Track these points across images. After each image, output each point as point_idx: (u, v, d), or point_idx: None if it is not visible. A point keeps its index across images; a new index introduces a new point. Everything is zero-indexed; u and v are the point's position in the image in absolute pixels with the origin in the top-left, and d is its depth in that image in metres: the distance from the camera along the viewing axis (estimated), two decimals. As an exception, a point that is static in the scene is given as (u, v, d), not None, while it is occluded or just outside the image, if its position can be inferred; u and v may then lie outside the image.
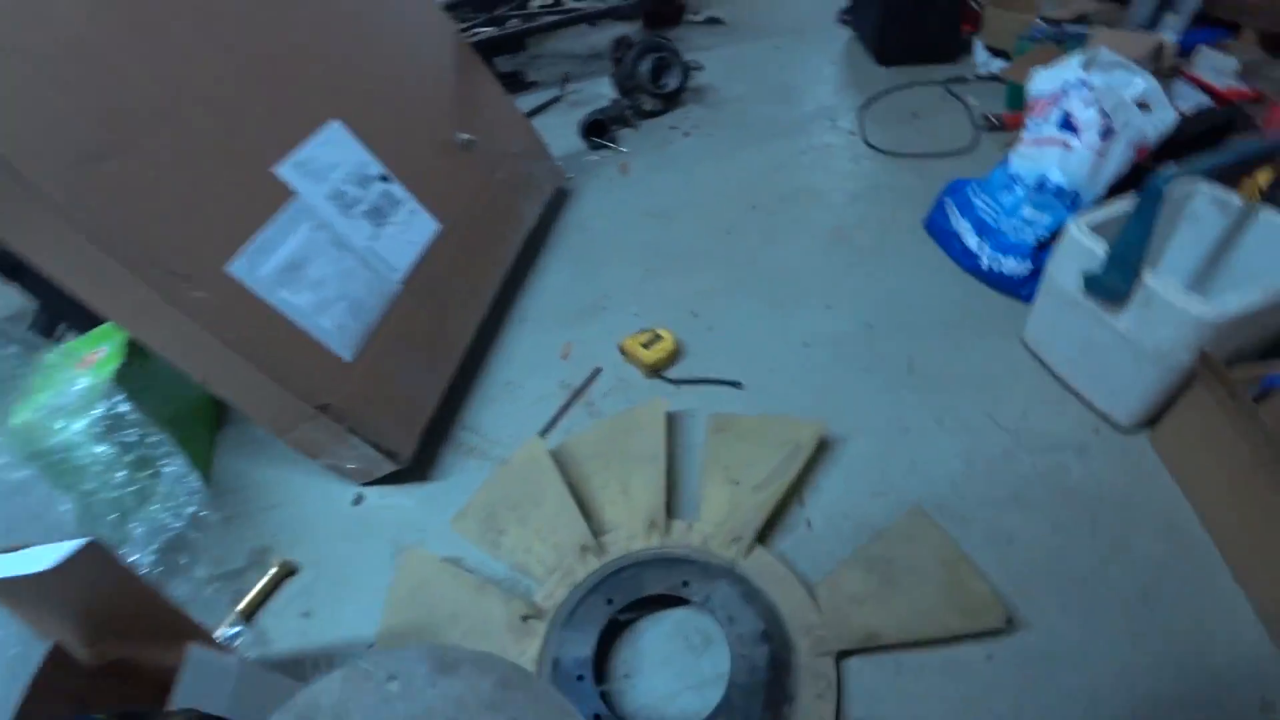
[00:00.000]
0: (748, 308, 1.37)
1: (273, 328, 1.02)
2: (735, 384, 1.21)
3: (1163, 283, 0.94)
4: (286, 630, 0.99)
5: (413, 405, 1.20)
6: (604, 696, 0.85)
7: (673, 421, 1.17)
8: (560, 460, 1.10)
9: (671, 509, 1.03)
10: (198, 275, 0.95)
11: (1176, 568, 0.92)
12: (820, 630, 0.85)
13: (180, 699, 0.68)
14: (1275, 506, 0.84)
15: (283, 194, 1.08)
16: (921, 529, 0.93)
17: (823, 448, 1.09)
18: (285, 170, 1.09)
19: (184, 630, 0.82)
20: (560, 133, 2.04)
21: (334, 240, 1.14)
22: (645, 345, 1.25)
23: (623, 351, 1.29)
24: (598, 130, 2.06)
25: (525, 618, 0.92)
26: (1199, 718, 0.79)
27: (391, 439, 1.13)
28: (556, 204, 1.78)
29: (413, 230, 1.30)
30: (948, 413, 1.12)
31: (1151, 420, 1.06)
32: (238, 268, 0.99)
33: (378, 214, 1.23)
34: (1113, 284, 0.98)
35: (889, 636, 0.83)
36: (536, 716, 0.47)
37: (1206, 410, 0.95)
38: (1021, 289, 1.30)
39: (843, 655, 0.85)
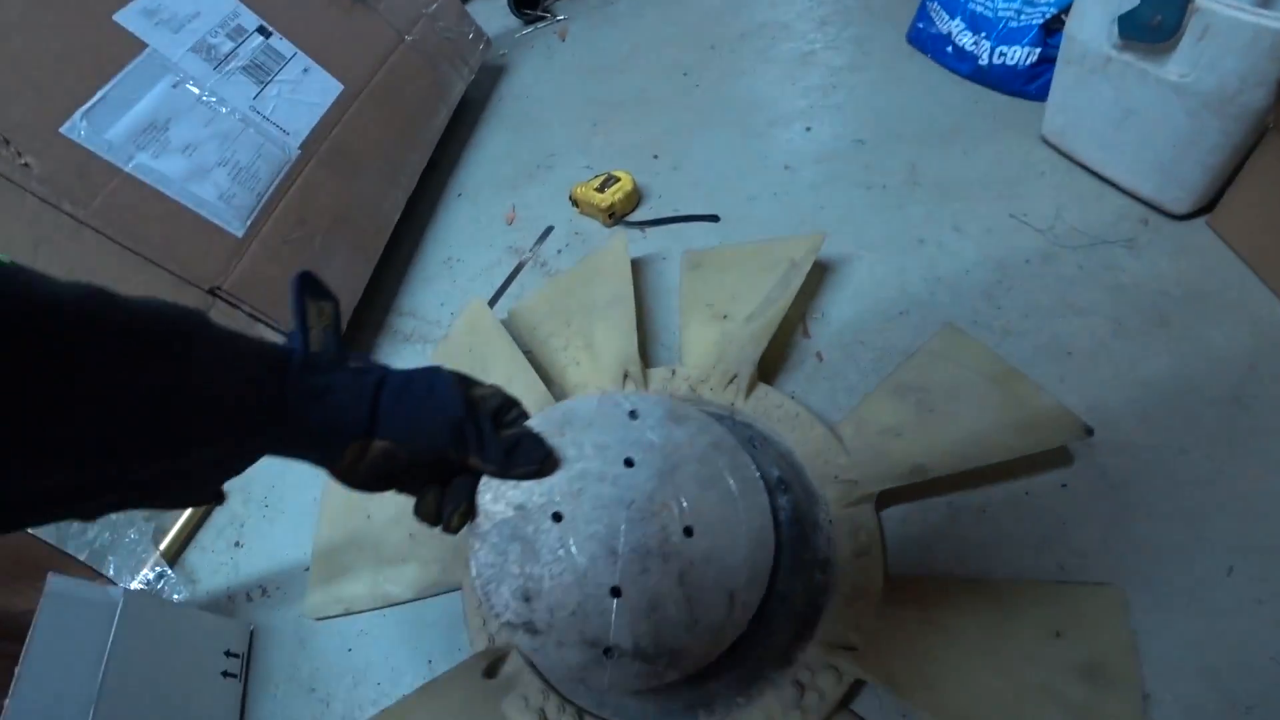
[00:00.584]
0: (716, 141, 1.15)
1: (135, 198, 0.87)
2: (711, 218, 1.00)
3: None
4: (217, 565, 0.88)
5: (334, 286, 1.01)
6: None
7: (641, 269, 0.98)
8: (511, 328, 0.91)
9: (649, 359, 0.84)
10: (21, 138, 0.79)
11: (1269, 362, 0.74)
12: (850, 474, 0.66)
13: (37, 642, 0.59)
14: None
15: (130, 45, 0.91)
16: (959, 346, 0.74)
17: (825, 271, 0.89)
18: (129, 18, 0.92)
19: (49, 566, 0.72)
20: (489, 17, 1.81)
21: (205, 99, 0.97)
22: (599, 189, 1.03)
23: (575, 202, 1.08)
24: (528, 1, 1.81)
25: (479, 507, 0.73)
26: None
27: (310, 324, 0.96)
28: (491, 79, 1.56)
29: (309, 90, 1.12)
30: (967, 220, 0.92)
31: (1209, 204, 0.87)
32: (73, 129, 0.83)
33: (260, 70, 1.06)
34: (1158, 15, 0.78)
35: (940, 468, 0.64)
36: (730, 475, 0.54)
37: (1289, 162, 0.76)
38: (1030, 84, 1.09)
39: (883, 505, 0.67)
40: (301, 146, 1.06)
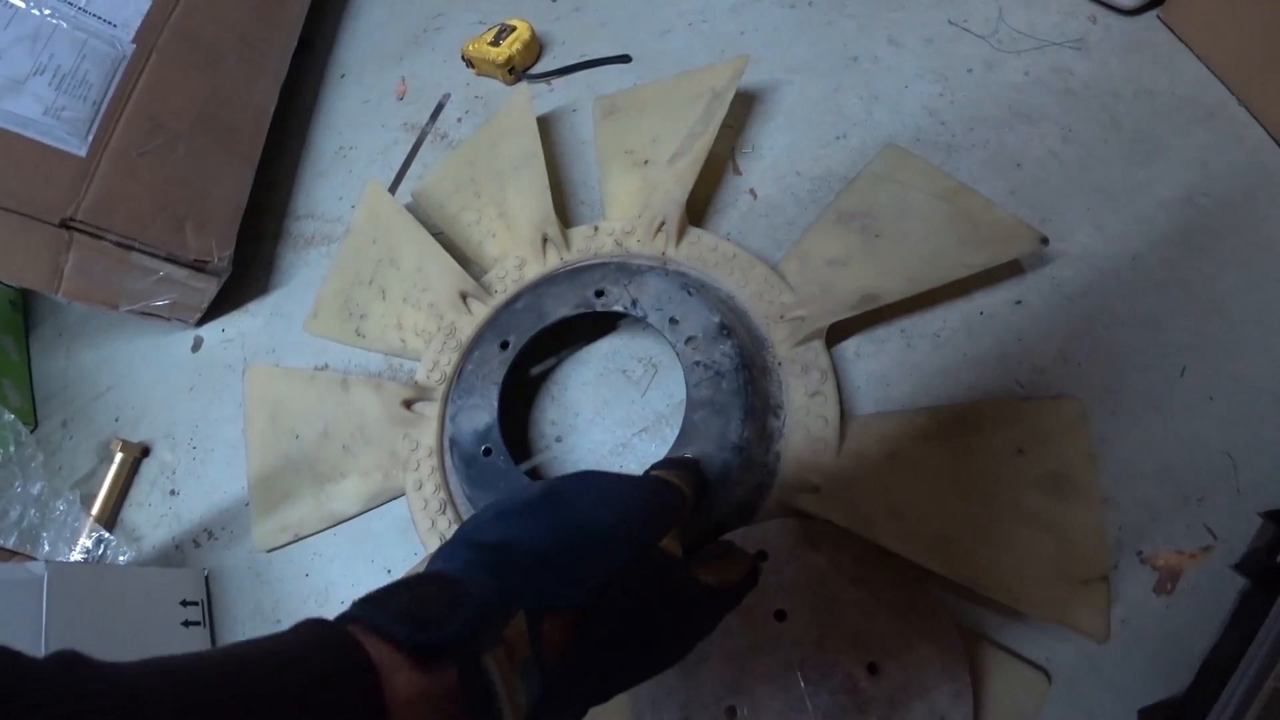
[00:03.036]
0: (620, -27, 1.02)
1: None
2: (623, 59, 0.89)
3: None
4: (157, 518, 0.83)
5: (212, 196, 0.91)
6: (532, 472, 0.63)
7: (552, 124, 0.88)
8: (418, 211, 0.82)
9: (570, 218, 0.76)
10: None
11: (1222, 158, 0.69)
12: (798, 310, 0.60)
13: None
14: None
15: None
16: (902, 166, 0.68)
17: (752, 101, 0.80)
18: None
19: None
20: None
21: (-7, -5, 0.79)
22: (493, 43, 0.91)
23: (469, 62, 0.95)
24: None
25: (408, 403, 0.66)
26: (1275, 325, 0.60)
27: (191, 243, 0.86)
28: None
29: (131, -30, 0.93)
30: (903, 31, 0.83)
31: (1158, -5, 0.81)
32: None
33: (62, -49, 0.86)
34: None
35: (893, 293, 0.59)
36: (891, 591, 0.48)
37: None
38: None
39: (834, 340, 0.63)
40: (135, 39, 0.88)
